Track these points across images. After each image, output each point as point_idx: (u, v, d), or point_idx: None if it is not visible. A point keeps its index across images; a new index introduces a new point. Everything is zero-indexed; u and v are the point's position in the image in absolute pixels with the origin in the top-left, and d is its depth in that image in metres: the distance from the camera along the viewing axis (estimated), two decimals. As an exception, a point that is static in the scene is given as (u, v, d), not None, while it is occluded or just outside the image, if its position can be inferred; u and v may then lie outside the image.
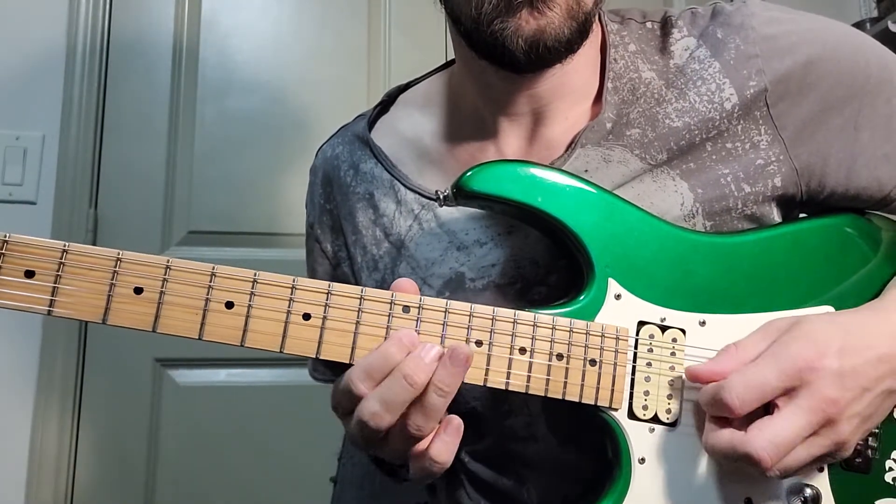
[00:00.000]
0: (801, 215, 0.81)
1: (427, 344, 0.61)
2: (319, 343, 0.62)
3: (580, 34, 0.73)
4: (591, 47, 0.80)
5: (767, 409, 0.62)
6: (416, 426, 0.60)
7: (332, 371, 0.92)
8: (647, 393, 0.68)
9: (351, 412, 0.62)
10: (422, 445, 0.62)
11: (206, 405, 1.81)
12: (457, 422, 0.63)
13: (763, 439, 0.59)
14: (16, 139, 1.75)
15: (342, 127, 0.98)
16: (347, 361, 0.63)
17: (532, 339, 0.66)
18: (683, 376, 0.68)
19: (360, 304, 0.63)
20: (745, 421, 0.61)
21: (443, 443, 0.62)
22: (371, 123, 0.93)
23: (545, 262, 0.77)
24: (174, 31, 1.91)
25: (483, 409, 0.79)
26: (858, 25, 2.08)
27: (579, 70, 0.80)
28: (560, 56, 0.74)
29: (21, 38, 1.79)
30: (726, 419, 0.63)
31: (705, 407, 0.65)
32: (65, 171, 1.76)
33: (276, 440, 1.82)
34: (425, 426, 0.60)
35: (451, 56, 0.88)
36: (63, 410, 1.70)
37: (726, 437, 0.61)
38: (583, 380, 0.66)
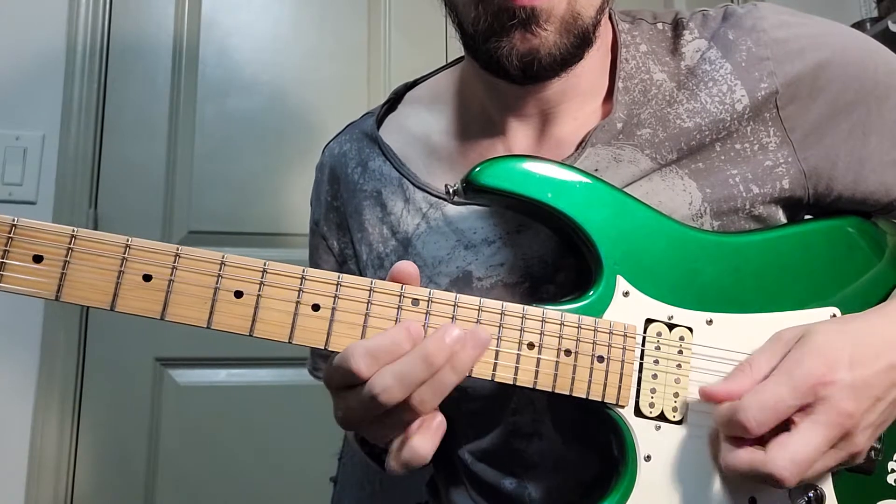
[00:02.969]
0: (807, 217, 0.81)
1: (449, 325, 0.61)
2: (328, 334, 0.62)
3: (578, 48, 0.74)
4: (600, 48, 0.81)
5: (783, 423, 0.62)
6: (421, 400, 0.59)
7: None
8: (653, 391, 0.68)
9: (343, 387, 0.62)
10: (413, 427, 0.62)
11: (206, 405, 1.81)
12: (440, 418, 0.63)
13: (784, 459, 0.59)
14: (16, 139, 1.75)
15: (349, 124, 0.99)
16: None
17: (540, 334, 0.65)
18: (690, 375, 0.68)
19: (369, 297, 0.63)
20: (759, 436, 0.61)
21: (423, 437, 0.61)
22: (379, 121, 0.93)
23: (554, 261, 0.77)
24: (174, 31, 1.91)
25: (489, 405, 0.79)
26: (858, 25, 2.09)
27: (587, 73, 0.80)
28: (556, 71, 0.75)
29: (21, 38, 1.79)
30: (742, 437, 0.63)
31: (720, 427, 0.64)
32: (65, 171, 1.76)
33: (276, 440, 1.82)
34: (430, 401, 0.60)
35: (451, 56, 0.89)
36: (63, 410, 1.70)
37: (746, 457, 0.61)
38: (590, 376, 0.66)
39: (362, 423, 0.63)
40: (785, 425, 0.61)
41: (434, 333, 0.60)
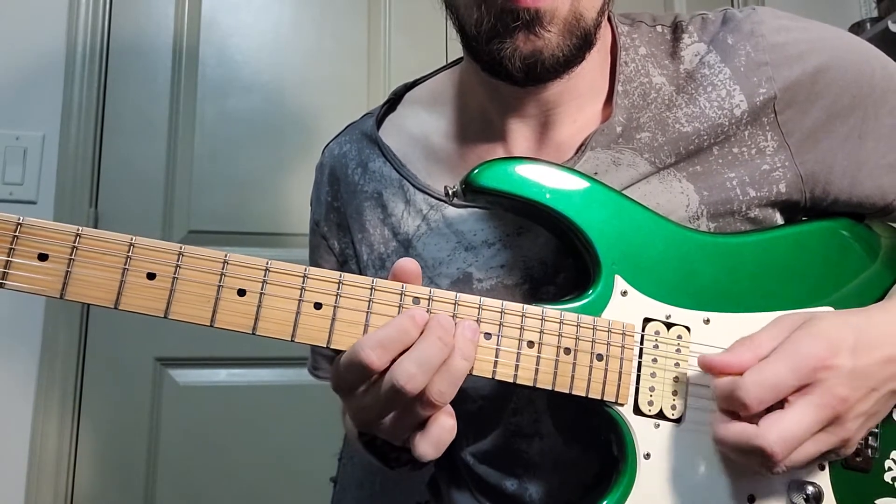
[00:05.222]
0: (802, 218, 0.81)
1: (440, 314, 0.62)
2: (330, 333, 0.62)
3: (580, 49, 0.74)
4: (600, 50, 0.81)
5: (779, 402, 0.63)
6: (439, 391, 0.60)
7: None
8: (652, 389, 0.68)
9: (355, 386, 0.62)
10: (434, 418, 0.62)
11: (206, 405, 1.81)
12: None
13: (775, 433, 0.60)
14: (16, 139, 1.75)
15: (349, 125, 0.99)
16: None
17: (540, 332, 0.66)
18: (688, 373, 0.69)
19: (370, 295, 0.63)
20: (756, 413, 0.62)
21: (440, 424, 0.62)
22: (379, 122, 0.93)
23: (553, 263, 0.77)
24: (174, 31, 1.91)
25: (489, 405, 0.79)
26: (858, 25, 2.09)
27: (587, 74, 0.80)
28: (559, 73, 0.75)
29: (21, 38, 1.79)
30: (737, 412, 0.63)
31: (718, 401, 0.65)
32: (65, 171, 1.77)
33: (276, 440, 1.82)
34: (447, 392, 0.60)
35: (451, 57, 0.89)
36: (63, 410, 1.70)
37: (738, 429, 0.62)
38: (590, 374, 0.67)
39: (377, 422, 0.63)
40: (779, 404, 0.62)
41: (433, 318, 0.61)
